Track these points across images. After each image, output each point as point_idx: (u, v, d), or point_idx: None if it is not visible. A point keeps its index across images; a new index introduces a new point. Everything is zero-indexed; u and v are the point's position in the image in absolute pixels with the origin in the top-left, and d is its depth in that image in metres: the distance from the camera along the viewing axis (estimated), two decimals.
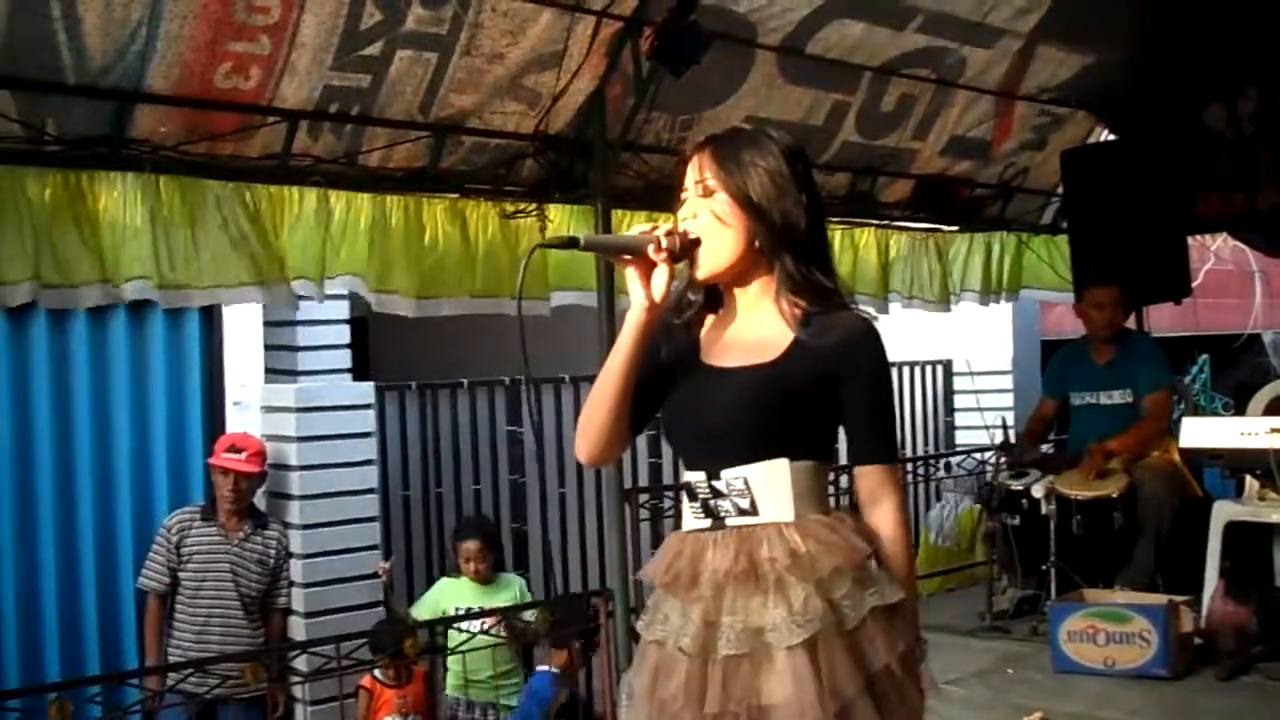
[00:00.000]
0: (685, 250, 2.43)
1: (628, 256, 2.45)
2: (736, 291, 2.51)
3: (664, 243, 2.41)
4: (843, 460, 2.61)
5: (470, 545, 5.91)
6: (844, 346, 2.40)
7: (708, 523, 2.45)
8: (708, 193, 2.44)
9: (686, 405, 2.50)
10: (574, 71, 4.85)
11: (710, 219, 2.44)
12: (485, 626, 5.56)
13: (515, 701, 5.71)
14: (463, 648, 5.37)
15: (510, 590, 5.97)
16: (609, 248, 2.56)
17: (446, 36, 4.53)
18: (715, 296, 2.56)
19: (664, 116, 5.26)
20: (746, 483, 2.40)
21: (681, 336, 2.55)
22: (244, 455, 5.96)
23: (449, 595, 5.91)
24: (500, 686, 5.79)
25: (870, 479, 2.43)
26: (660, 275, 2.43)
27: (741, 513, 2.41)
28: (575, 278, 5.29)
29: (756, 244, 2.43)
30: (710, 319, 2.57)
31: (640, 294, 2.44)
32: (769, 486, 2.39)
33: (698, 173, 2.47)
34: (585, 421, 2.57)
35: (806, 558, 2.34)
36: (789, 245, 2.43)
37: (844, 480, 7.63)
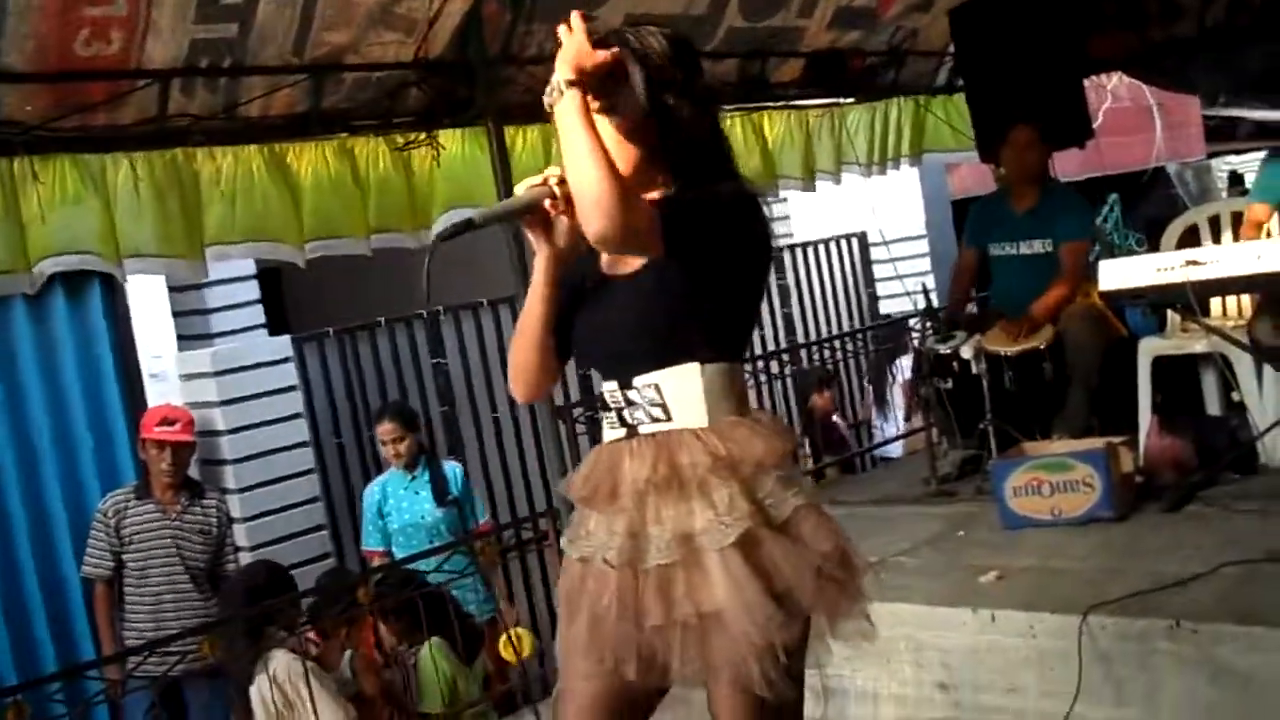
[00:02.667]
0: None
1: (528, 217, 2.40)
2: None
3: (557, 193, 2.34)
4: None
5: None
6: (698, 222, 2.34)
7: (623, 432, 2.43)
8: (603, 110, 2.36)
9: (591, 318, 2.47)
10: None
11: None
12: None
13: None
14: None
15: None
16: (505, 215, 2.50)
17: None
18: None
19: (544, 26, 5.14)
20: (658, 389, 2.38)
21: (587, 251, 2.47)
22: (177, 426, 5.86)
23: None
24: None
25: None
26: (560, 225, 2.39)
27: (655, 420, 2.38)
28: (471, 195, 5.17)
29: (651, 154, 2.39)
30: None
31: (545, 248, 2.41)
32: (681, 391, 2.37)
33: (590, 95, 2.35)
34: (515, 364, 2.55)
35: (727, 459, 2.32)
36: (679, 148, 2.38)
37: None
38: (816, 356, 8.21)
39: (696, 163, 2.40)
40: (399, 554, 5.91)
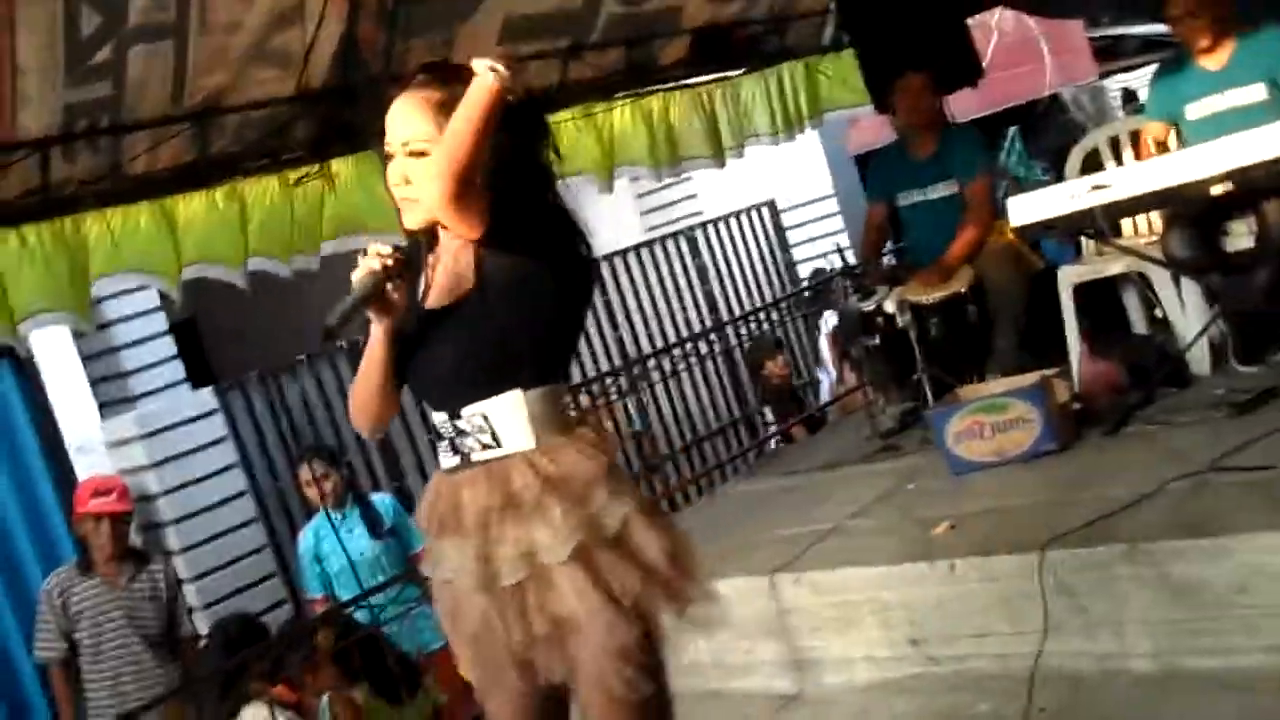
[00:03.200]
0: (406, 264, 2.51)
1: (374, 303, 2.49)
2: (448, 233, 2.55)
3: (390, 272, 2.47)
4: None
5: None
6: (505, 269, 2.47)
7: (457, 460, 2.53)
8: (414, 154, 2.47)
9: (414, 352, 2.56)
10: (318, 20, 4.65)
11: (422, 177, 2.45)
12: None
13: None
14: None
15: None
16: (356, 308, 2.53)
17: (176, 20, 4.25)
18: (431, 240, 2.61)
19: (421, 42, 5.07)
20: (485, 418, 2.48)
21: (415, 283, 2.60)
22: (112, 496, 5.75)
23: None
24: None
25: None
26: (394, 295, 2.53)
27: (485, 447, 2.48)
28: (366, 222, 5.09)
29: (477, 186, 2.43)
30: (431, 264, 2.60)
31: (385, 320, 2.52)
32: (507, 418, 2.47)
33: (396, 131, 2.50)
34: (358, 407, 2.67)
35: (557, 478, 2.44)
36: (494, 174, 2.43)
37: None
38: (744, 332, 8.19)
39: (510, 181, 2.47)
40: (343, 595, 5.72)
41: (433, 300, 2.54)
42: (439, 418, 2.55)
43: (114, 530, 5.76)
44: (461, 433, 2.50)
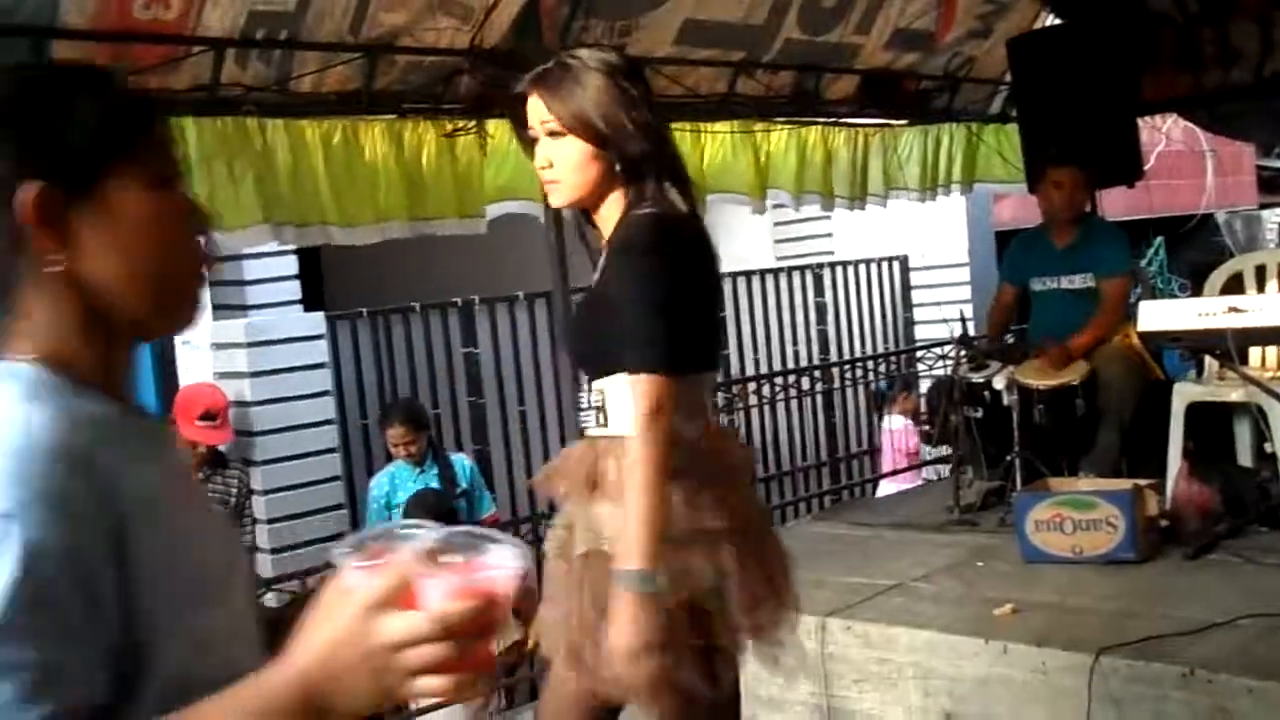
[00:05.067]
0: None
1: None
2: (595, 215, 2.58)
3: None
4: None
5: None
6: (618, 250, 2.49)
7: (592, 426, 2.60)
8: (554, 134, 2.49)
9: (569, 322, 2.78)
10: None
11: (566, 159, 2.49)
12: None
13: None
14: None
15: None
16: None
17: None
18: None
19: (601, 23, 5.13)
20: (603, 395, 2.53)
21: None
22: (218, 422, 5.88)
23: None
24: None
25: (631, 390, 2.40)
26: None
27: (600, 424, 2.54)
28: (517, 189, 5.16)
29: (608, 170, 2.49)
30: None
31: None
32: (618, 400, 2.48)
33: (539, 114, 2.50)
34: None
35: None
36: (630, 167, 2.48)
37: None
38: (849, 376, 8.16)
39: (647, 174, 2.49)
40: None
41: (584, 279, 2.67)
42: (584, 387, 2.64)
43: (209, 449, 5.91)
44: (590, 405, 2.59)
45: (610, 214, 2.54)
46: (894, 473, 7.69)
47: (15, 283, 1.22)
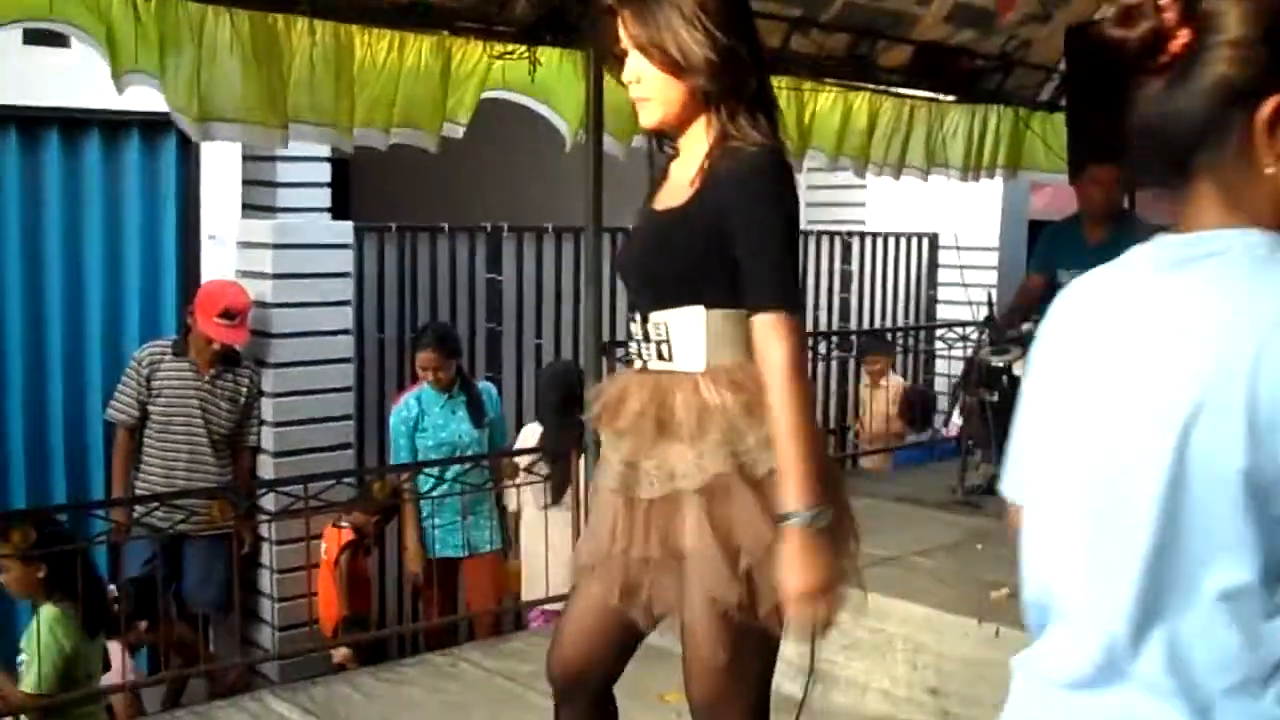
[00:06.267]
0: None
1: None
2: (682, 139, 2.54)
3: None
4: None
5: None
6: (732, 184, 2.39)
7: (640, 364, 2.54)
8: (642, 50, 2.46)
9: (628, 250, 2.63)
10: None
11: (652, 77, 2.46)
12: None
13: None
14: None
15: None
16: None
17: None
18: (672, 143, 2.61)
19: None
20: (666, 328, 2.46)
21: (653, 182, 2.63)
22: (237, 321, 5.87)
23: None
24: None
25: (757, 330, 2.35)
26: None
27: (661, 358, 2.47)
28: (562, 111, 5.09)
29: (693, 94, 2.45)
30: (667, 168, 2.62)
31: None
32: (685, 333, 2.44)
33: (628, 28, 2.47)
34: None
35: (717, 409, 2.38)
36: (719, 92, 2.44)
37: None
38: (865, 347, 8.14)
39: (735, 103, 2.45)
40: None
41: (659, 202, 2.56)
42: (633, 318, 2.56)
43: (224, 347, 5.91)
44: (645, 338, 2.51)
45: (696, 139, 2.50)
46: (871, 452, 7.65)
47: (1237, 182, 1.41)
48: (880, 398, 7.43)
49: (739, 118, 2.43)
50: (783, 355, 2.29)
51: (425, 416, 5.88)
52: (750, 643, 2.41)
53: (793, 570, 2.24)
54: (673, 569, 2.43)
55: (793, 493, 2.24)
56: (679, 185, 2.50)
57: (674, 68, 2.43)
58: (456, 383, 5.96)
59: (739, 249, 2.36)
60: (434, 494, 5.47)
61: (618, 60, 2.56)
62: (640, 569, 2.46)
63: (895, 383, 7.71)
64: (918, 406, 7.63)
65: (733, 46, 2.43)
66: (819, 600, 2.26)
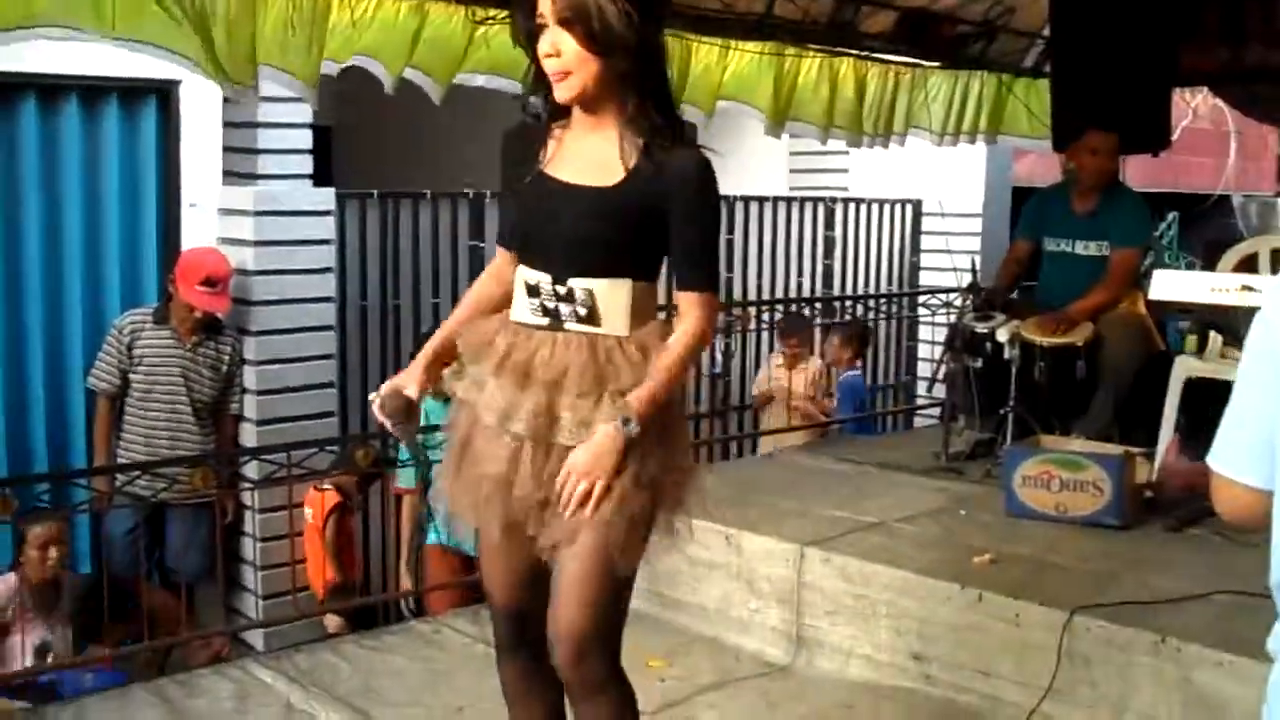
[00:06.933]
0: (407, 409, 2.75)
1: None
2: (585, 114, 2.64)
3: (400, 420, 2.74)
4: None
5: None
6: (675, 180, 2.59)
7: (545, 321, 2.65)
8: (565, 23, 2.51)
9: (536, 212, 2.69)
10: None
11: (572, 53, 2.52)
12: None
13: None
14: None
15: None
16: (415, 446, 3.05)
17: None
18: (559, 114, 2.69)
19: None
20: (591, 294, 2.61)
21: (527, 156, 2.71)
22: (218, 289, 5.85)
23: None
24: None
25: (684, 303, 2.65)
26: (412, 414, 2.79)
27: (581, 320, 2.62)
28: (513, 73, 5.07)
29: (608, 74, 2.55)
30: (557, 136, 2.70)
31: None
32: (612, 301, 2.62)
33: (551, 2, 2.51)
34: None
35: (638, 366, 2.60)
36: (633, 83, 2.58)
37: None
38: (850, 311, 8.14)
39: (639, 92, 2.59)
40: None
41: (570, 175, 2.64)
42: (539, 276, 2.64)
43: (204, 316, 5.88)
44: (562, 299, 2.62)
45: (604, 120, 2.62)
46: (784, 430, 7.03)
47: None
48: (799, 380, 7.11)
49: (648, 106, 2.59)
50: (700, 322, 2.65)
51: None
52: (626, 565, 2.61)
53: (589, 451, 2.53)
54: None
55: (636, 404, 2.54)
56: (599, 162, 2.62)
57: (594, 44, 2.50)
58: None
59: (678, 236, 2.62)
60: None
61: (527, 34, 2.59)
62: (538, 506, 2.62)
63: (815, 366, 7.30)
64: (860, 341, 7.59)
65: (649, 34, 2.56)
66: (589, 481, 2.52)
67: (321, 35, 4.58)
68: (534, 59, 2.59)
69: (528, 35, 2.59)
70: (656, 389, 2.57)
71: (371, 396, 2.74)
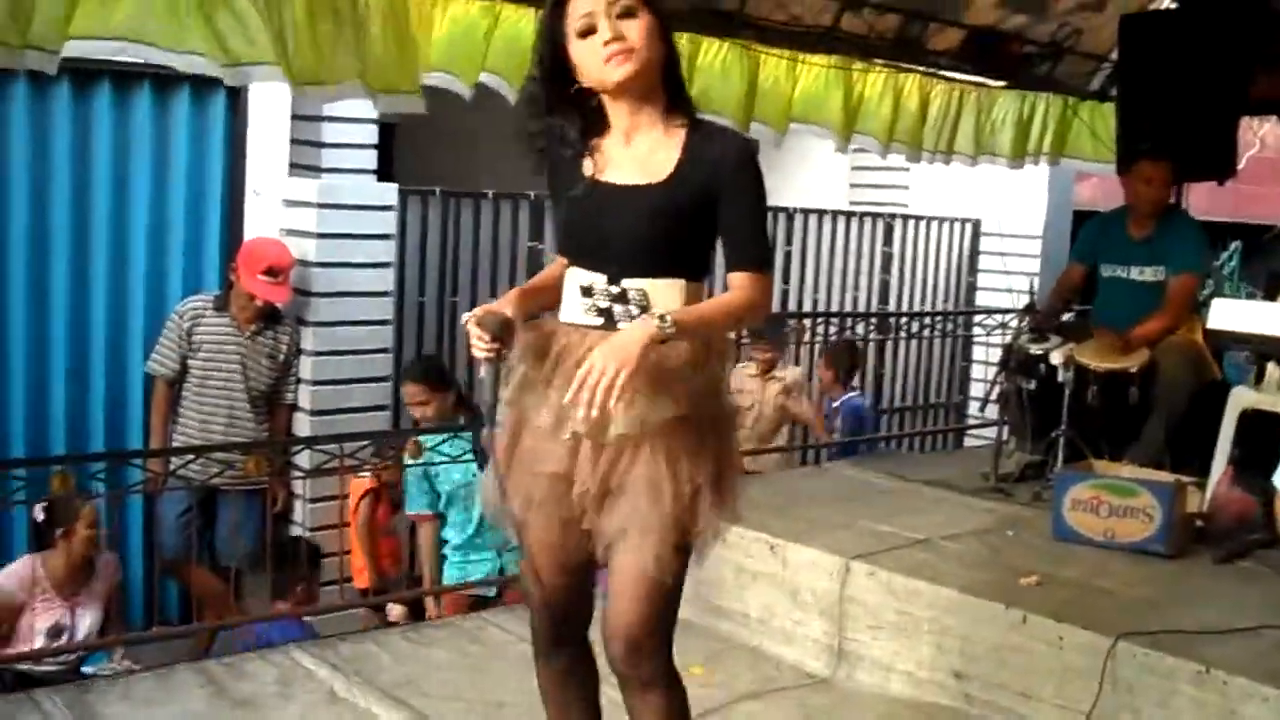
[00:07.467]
0: (503, 334, 2.62)
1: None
2: (631, 111, 2.68)
3: (498, 352, 2.62)
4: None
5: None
6: (719, 162, 2.63)
7: (599, 321, 2.67)
8: (628, 13, 2.57)
9: (590, 216, 2.70)
10: None
11: (640, 32, 2.57)
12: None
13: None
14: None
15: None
16: (495, 389, 2.69)
17: None
18: (596, 120, 2.72)
19: None
20: (646, 294, 2.64)
21: (572, 160, 2.73)
22: (280, 279, 5.91)
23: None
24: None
25: (736, 280, 2.66)
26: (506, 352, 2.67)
27: (634, 319, 2.61)
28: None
29: (662, 63, 2.63)
30: (597, 147, 2.72)
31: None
32: (665, 300, 2.62)
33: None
34: None
35: (691, 362, 2.62)
36: (670, 72, 2.67)
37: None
38: (905, 329, 8.14)
39: (678, 85, 2.71)
40: (453, 518, 5.54)
41: (622, 177, 2.68)
42: (594, 278, 2.68)
43: (264, 305, 5.95)
44: (616, 299, 2.65)
45: (643, 117, 2.67)
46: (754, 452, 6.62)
47: None
48: (771, 390, 6.94)
49: (681, 96, 2.70)
50: (752, 296, 2.64)
51: (435, 457, 5.36)
52: (682, 562, 2.65)
53: (616, 339, 2.49)
54: (619, 498, 2.62)
55: (677, 315, 2.51)
56: (646, 161, 2.67)
57: (663, 28, 2.60)
58: (461, 417, 5.58)
59: (726, 216, 2.64)
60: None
61: (557, 48, 2.64)
62: (593, 503, 2.64)
63: (793, 375, 7.08)
64: (847, 360, 7.32)
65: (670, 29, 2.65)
66: (610, 367, 2.42)
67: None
68: (549, 83, 2.66)
69: (556, 48, 2.63)
70: (697, 311, 2.59)
71: (465, 316, 2.65)
